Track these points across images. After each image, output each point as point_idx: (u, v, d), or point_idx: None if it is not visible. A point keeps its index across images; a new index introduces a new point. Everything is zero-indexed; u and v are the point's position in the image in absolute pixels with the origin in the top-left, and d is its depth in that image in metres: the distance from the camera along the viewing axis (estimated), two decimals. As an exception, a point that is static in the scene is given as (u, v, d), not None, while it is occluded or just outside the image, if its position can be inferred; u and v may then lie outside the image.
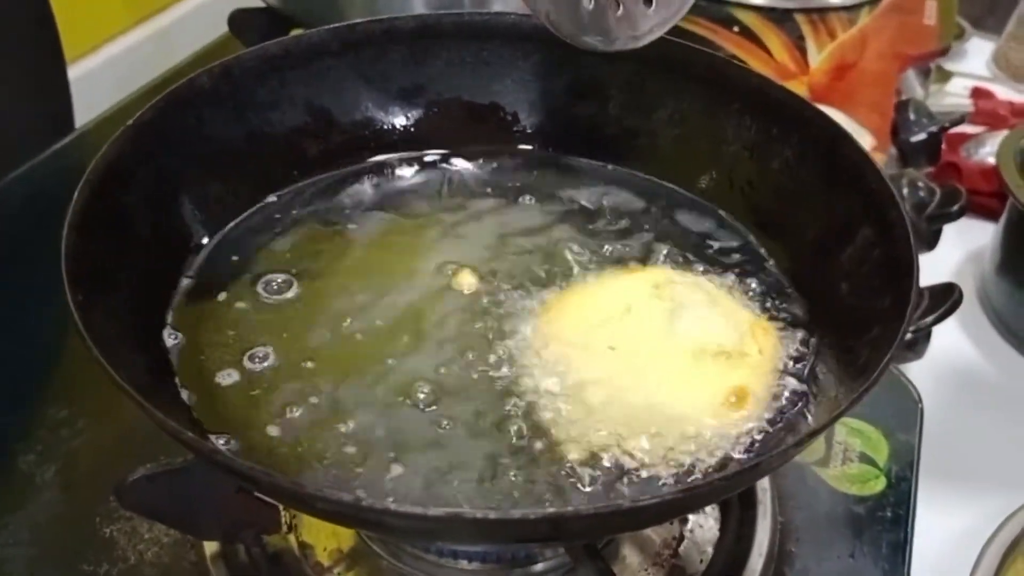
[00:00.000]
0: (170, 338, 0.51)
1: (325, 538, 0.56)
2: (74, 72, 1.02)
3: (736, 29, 0.99)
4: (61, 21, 0.95)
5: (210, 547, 0.55)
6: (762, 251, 0.58)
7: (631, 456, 0.45)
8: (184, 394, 0.47)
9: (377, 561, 0.55)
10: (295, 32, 0.94)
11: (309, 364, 0.50)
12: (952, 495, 0.68)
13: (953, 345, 0.83)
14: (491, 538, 0.39)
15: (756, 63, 0.96)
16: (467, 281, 0.56)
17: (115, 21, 1.13)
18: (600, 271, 0.57)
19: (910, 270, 0.46)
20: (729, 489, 0.42)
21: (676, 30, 0.58)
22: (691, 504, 0.40)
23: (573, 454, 0.45)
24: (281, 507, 0.55)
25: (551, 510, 0.33)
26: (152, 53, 1.12)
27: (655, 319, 0.51)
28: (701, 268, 0.57)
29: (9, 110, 0.94)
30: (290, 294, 0.55)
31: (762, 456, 0.38)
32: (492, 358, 0.51)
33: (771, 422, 0.47)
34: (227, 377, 0.49)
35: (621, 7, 0.57)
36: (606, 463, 0.45)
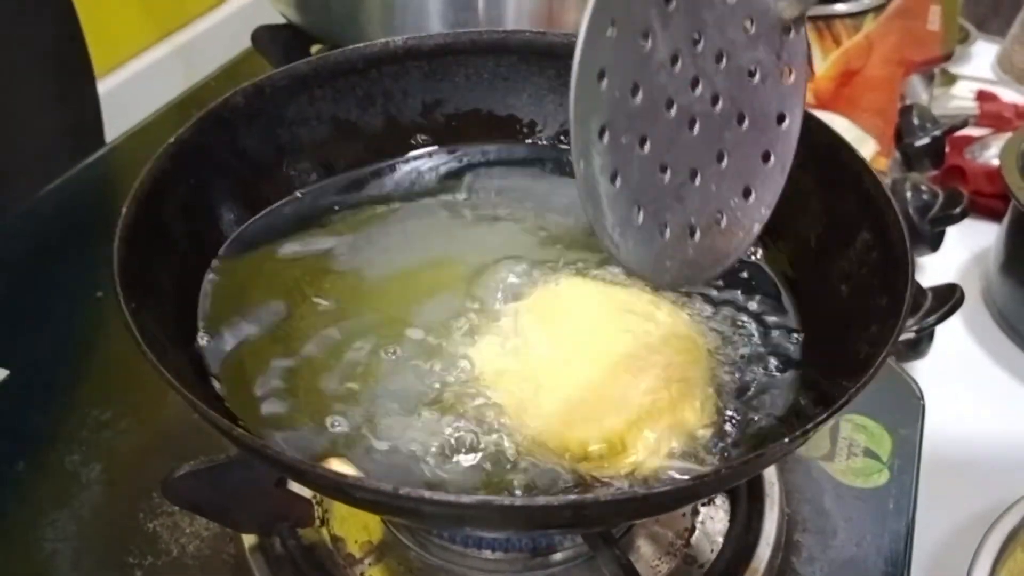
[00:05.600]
0: (202, 338, 0.53)
1: (356, 531, 0.59)
2: (101, 87, 1.05)
3: (743, 37, 1.01)
4: (89, 37, 0.99)
5: (248, 540, 0.58)
6: (763, 260, 0.60)
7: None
8: (217, 387, 0.50)
9: (405, 552, 0.58)
10: (316, 48, 0.97)
11: (338, 352, 0.53)
12: (954, 489, 0.70)
13: (958, 344, 0.85)
14: (517, 524, 0.42)
15: (763, 70, 0.98)
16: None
17: (140, 36, 1.16)
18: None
19: (906, 268, 0.48)
20: (736, 478, 0.45)
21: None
22: (700, 492, 0.43)
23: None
24: (314, 502, 0.58)
25: (573, 497, 0.36)
26: (176, 68, 1.15)
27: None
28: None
29: (42, 124, 0.97)
30: (324, 289, 0.57)
31: (767, 448, 0.41)
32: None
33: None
34: (262, 375, 0.52)
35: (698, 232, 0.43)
36: None
